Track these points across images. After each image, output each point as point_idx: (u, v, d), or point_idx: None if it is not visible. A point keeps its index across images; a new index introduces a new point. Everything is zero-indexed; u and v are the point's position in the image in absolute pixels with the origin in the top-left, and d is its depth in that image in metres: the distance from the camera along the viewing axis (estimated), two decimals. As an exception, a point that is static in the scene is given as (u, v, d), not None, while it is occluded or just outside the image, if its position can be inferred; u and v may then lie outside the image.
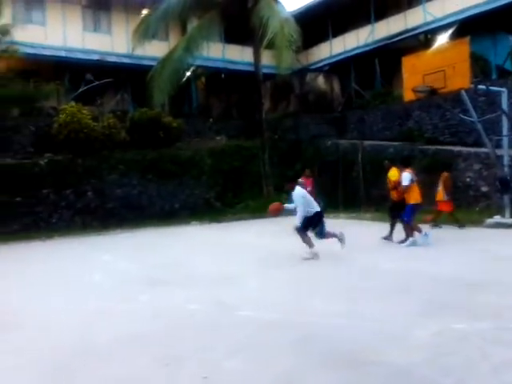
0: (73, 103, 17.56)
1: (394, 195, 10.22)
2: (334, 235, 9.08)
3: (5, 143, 16.72)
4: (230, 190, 19.41)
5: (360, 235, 11.34)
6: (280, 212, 9.28)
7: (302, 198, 8.83)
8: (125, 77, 21.81)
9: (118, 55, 21.73)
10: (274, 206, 9.31)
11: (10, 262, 10.54)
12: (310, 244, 8.78)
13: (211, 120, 22.75)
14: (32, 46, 19.06)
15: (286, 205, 9.23)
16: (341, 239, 8.99)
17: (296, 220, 8.78)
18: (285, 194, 18.14)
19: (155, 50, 20.65)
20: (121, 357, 4.37)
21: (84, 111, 17.20)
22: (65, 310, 6.19)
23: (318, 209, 8.94)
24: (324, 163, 19.81)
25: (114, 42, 22.08)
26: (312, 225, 8.88)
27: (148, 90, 18.66)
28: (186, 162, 18.72)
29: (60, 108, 17.37)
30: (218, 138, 21.36)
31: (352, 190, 18.53)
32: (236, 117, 24.61)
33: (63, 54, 20.66)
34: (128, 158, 17.64)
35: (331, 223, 13.94)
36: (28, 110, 17.67)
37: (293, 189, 9.00)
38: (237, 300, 6.15)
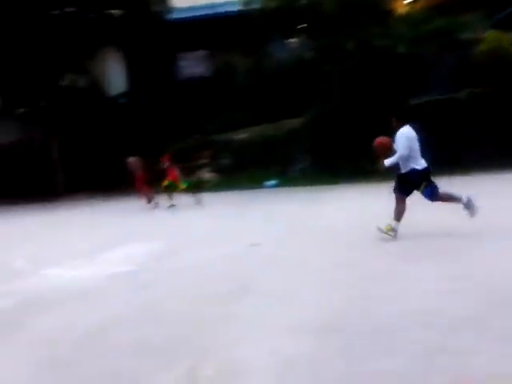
0: (493, 31, 16.27)
1: None
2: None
3: (421, 80, 16.99)
4: None
5: None
6: (387, 149, 6.53)
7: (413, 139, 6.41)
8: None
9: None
10: (379, 140, 6.65)
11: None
12: (399, 215, 6.50)
13: None
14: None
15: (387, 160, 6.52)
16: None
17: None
18: None
19: None
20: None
21: (505, 38, 15.72)
22: None
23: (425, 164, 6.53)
24: None
25: None
26: (420, 184, 6.45)
27: None
28: None
29: (479, 38, 16.34)
30: None
31: None
32: None
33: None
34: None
35: None
36: (446, 43, 17.32)
37: (399, 126, 6.49)
38: None
